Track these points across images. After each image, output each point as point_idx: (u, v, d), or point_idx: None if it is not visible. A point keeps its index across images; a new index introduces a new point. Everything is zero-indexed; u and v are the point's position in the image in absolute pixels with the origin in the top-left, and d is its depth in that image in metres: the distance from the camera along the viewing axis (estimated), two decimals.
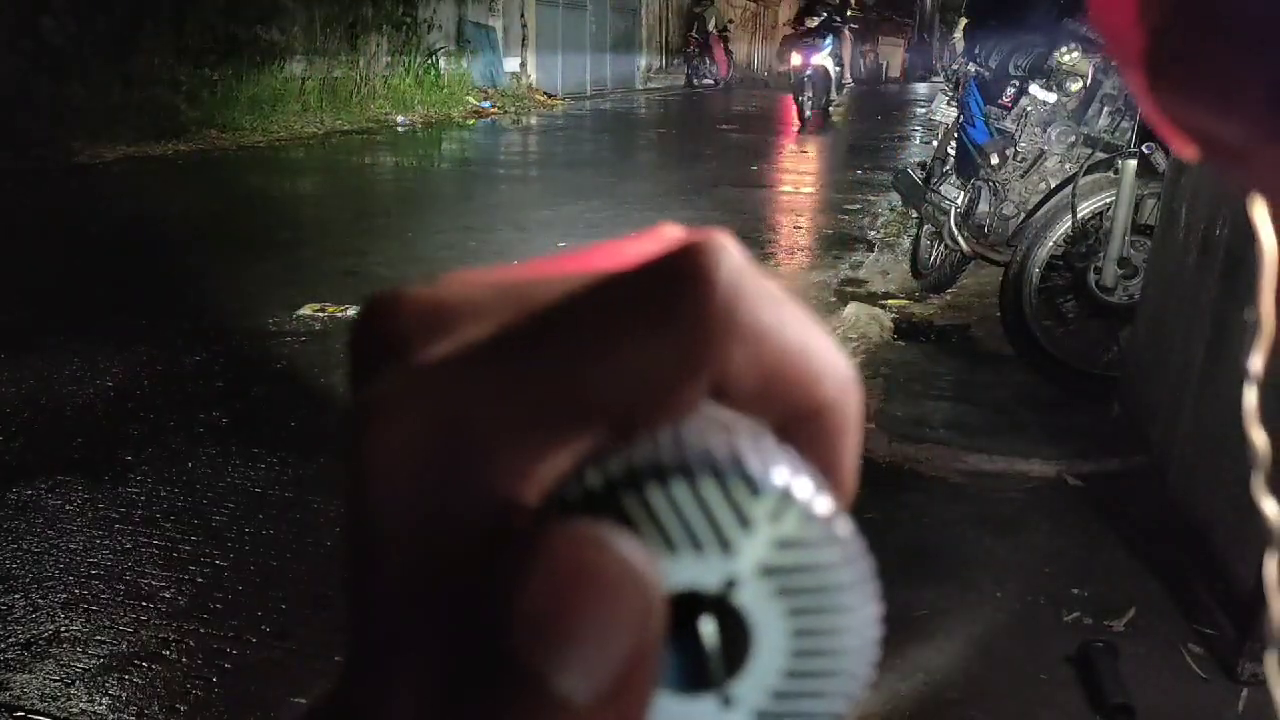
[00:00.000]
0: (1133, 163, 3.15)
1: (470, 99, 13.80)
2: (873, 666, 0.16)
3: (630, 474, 0.14)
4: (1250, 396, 0.36)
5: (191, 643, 1.99)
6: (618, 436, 0.15)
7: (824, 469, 0.16)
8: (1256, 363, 0.36)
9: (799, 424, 0.16)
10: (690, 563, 0.14)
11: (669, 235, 0.18)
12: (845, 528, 0.15)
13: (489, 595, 0.14)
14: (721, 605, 0.15)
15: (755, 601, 0.15)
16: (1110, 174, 3.33)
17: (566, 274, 0.17)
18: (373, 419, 0.15)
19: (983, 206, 4.00)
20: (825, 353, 0.16)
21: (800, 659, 0.15)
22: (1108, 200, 3.29)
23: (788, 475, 0.15)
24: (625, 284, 0.15)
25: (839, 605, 0.15)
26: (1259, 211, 0.28)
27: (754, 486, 0.14)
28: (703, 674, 0.15)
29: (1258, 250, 0.32)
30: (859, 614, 0.15)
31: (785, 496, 0.15)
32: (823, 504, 0.15)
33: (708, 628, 0.15)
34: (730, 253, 0.16)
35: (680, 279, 0.15)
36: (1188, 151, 0.19)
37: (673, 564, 0.14)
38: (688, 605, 0.15)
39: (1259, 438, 0.36)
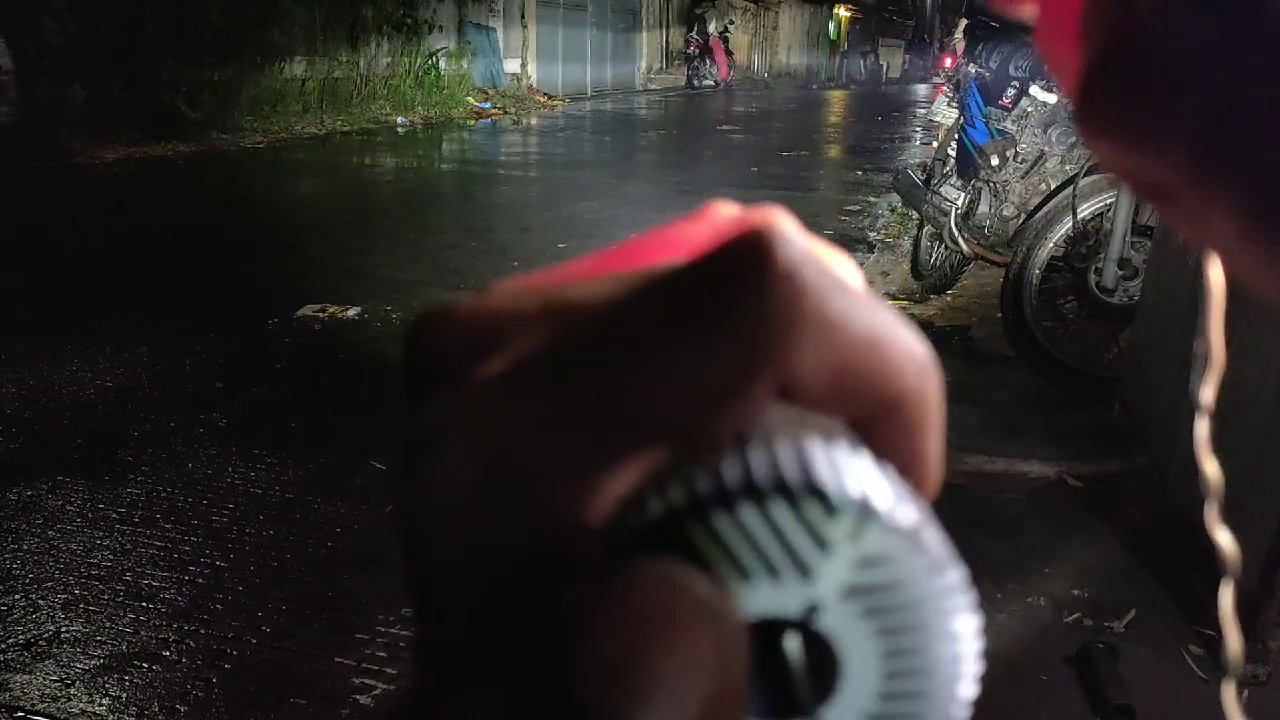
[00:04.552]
0: None
1: (471, 100, 13.82)
2: (973, 681, 0.15)
3: (694, 500, 0.13)
4: (1202, 427, 0.36)
5: (191, 643, 1.99)
6: (682, 450, 0.14)
7: (906, 464, 0.15)
8: (1206, 394, 0.35)
9: (877, 418, 0.15)
10: (767, 590, 0.13)
11: (721, 217, 0.17)
12: (931, 536, 0.14)
13: (557, 633, 0.13)
14: (805, 629, 0.14)
15: (841, 625, 0.14)
16: (1111, 175, 3.32)
17: (616, 273, 0.16)
18: (426, 448, 0.15)
19: (983, 207, 4.00)
20: (900, 339, 0.15)
21: (893, 680, 0.14)
22: (1108, 201, 3.29)
23: (865, 486, 0.14)
24: (677, 283, 0.14)
25: (930, 621, 0.14)
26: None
27: (829, 505, 0.13)
28: (792, 700, 0.14)
29: (1205, 285, 0.31)
30: (952, 627, 0.14)
31: (864, 511, 0.13)
32: (905, 513, 0.14)
33: (793, 654, 0.14)
34: (787, 237, 0.14)
35: (734, 273, 0.14)
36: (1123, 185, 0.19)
37: (749, 592, 0.13)
38: (770, 629, 0.14)
39: (1211, 468, 0.35)
